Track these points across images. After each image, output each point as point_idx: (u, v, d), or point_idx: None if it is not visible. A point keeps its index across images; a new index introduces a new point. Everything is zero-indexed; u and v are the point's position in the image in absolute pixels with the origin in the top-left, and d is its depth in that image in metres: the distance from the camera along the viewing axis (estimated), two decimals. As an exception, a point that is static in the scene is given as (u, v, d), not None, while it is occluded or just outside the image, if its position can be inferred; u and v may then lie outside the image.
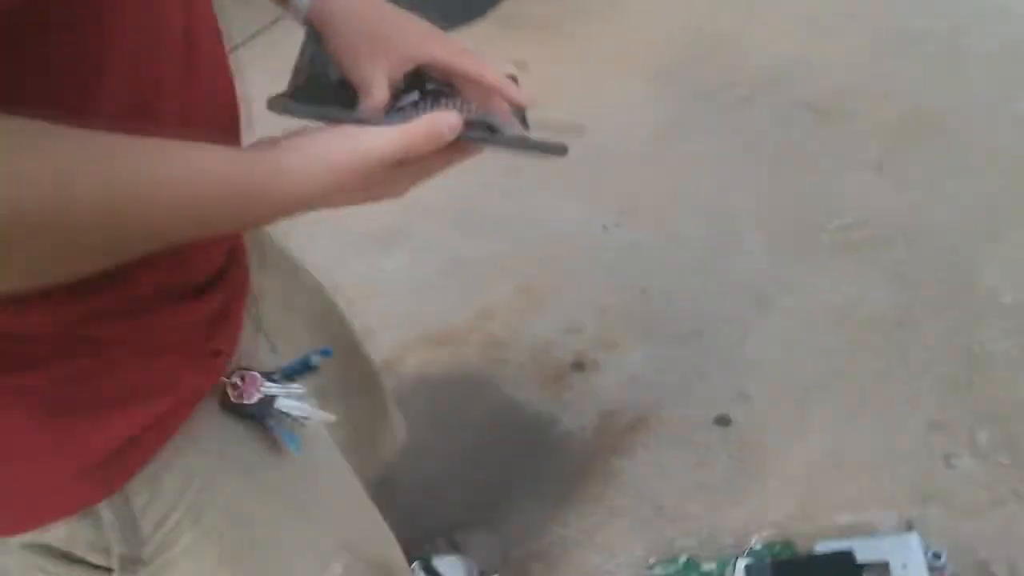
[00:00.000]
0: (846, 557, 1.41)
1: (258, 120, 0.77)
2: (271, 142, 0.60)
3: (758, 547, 1.47)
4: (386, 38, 0.73)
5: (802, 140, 2.21)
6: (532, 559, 1.54)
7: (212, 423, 0.70)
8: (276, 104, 0.66)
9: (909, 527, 1.43)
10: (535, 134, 0.76)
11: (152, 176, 0.51)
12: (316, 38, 0.74)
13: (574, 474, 1.63)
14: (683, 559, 1.48)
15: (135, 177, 0.50)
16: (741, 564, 1.44)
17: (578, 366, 1.84)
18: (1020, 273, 1.78)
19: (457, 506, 1.62)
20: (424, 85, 0.76)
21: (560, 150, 0.67)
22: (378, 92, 0.71)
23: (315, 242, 1.50)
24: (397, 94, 0.74)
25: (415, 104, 0.74)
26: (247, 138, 0.71)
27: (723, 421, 1.66)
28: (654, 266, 1.91)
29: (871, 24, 2.53)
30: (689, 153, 2.20)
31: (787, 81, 2.36)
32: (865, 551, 1.41)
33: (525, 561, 1.53)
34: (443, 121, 0.60)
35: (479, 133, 0.67)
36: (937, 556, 1.39)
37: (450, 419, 1.74)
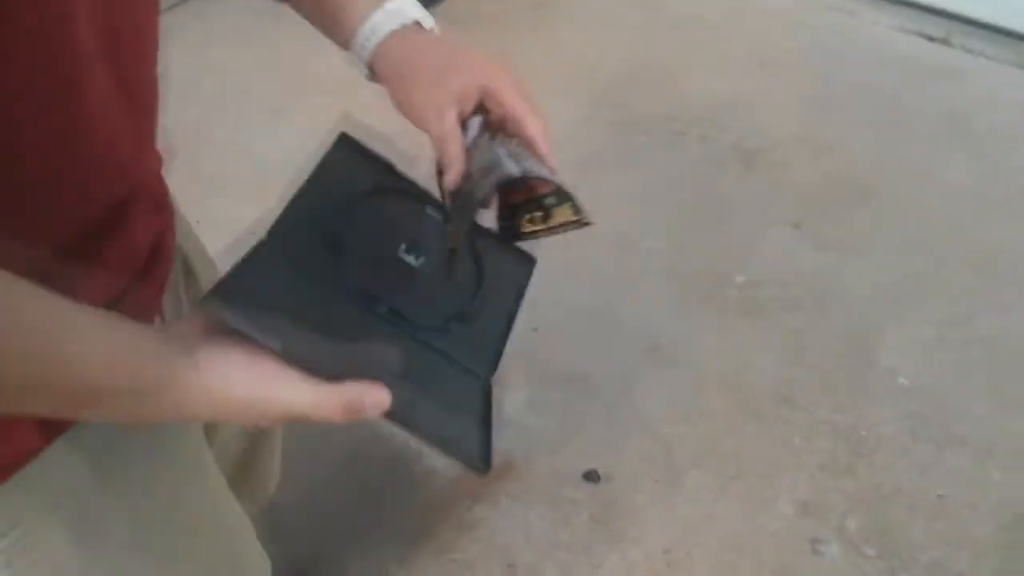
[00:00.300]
0: None
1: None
2: (182, 340, 0.53)
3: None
4: (453, 68, 0.73)
5: (727, 186, 2.15)
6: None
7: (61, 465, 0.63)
8: (211, 303, 0.54)
9: (763, 614, 1.38)
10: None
11: (39, 350, 0.46)
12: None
13: (431, 517, 1.54)
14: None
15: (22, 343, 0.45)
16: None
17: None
18: (921, 356, 1.73)
19: (304, 541, 1.53)
20: (486, 112, 0.74)
21: (476, 467, 0.59)
22: (449, 124, 0.70)
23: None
24: (464, 119, 0.71)
25: (476, 144, 0.71)
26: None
27: (592, 477, 1.59)
28: (550, 302, 1.83)
29: (816, 72, 2.48)
30: (609, 185, 2.13)
31: (722, 121, 2.30)
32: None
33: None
34: (371, 401, 0.54)
35: (404, 395, 0.54)
36: (785, 648, 1.34)
37: (311, 446, 1.65)
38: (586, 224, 0.72)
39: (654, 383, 1.74)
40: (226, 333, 0.52)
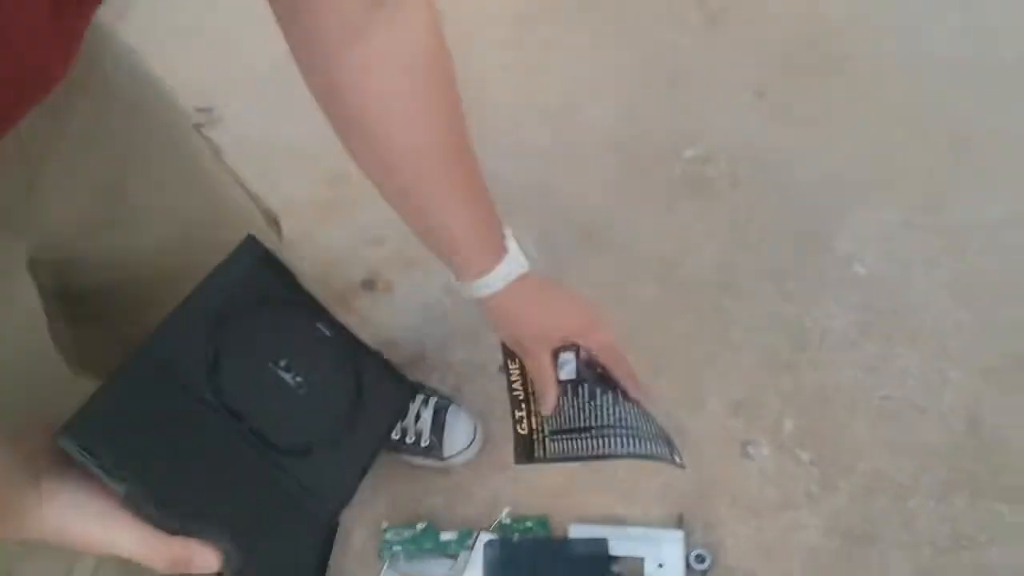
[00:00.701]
0: (598, 546, 1.22)
1: None
2: (32, 465, 0.53)
3: (507, 521, 1.28)
4: (555, 325, 0.86)
5: (685, 45, 1.92)
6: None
7: None
8: (64, 441, 0.52)
9: (680, 522, 1.24)
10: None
11: None
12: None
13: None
14: (421, 526, 1.28)
15: None
16: (483, 538, 1.25)
17: (368, 284, 1.59)
18: (883, 243, 1.55)
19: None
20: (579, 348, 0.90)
21: None
22: (546, 366, 0.87)
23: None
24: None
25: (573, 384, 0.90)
26: None
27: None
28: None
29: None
30: (553, 43, 1.89)
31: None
32: (623, 542, 1.23)
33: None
34: (200, 562, 0.55)
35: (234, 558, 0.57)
36: (701, 559, 1.21)
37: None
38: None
39: (584, 267, 1.57)
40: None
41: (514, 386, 0.94)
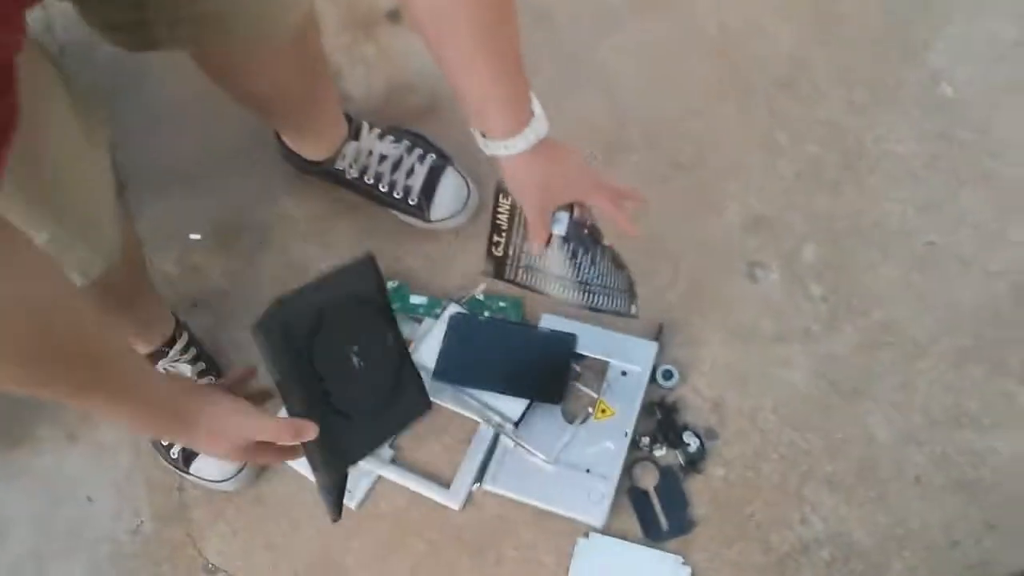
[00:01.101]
0: (565, 340, 1.15)
1: None
2: (200, 393, 0.80)
3: (480, 297, 1.21)
4: (562, 187, 0.91)
5: None
6: (249, 235, 1.29)
7: None
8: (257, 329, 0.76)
9: (658, 333, 1.15)
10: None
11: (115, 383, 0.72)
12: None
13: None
14: (393, 284, 1.21)
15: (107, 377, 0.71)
16: (452, 309, 1.19)
17: (394, 16, 1.42)
18: (982, 65, 1.29)
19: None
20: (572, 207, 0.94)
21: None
22: (544, 220, 0.92)
23: None
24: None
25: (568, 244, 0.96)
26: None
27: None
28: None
29: None
30: None
31: None
32: (592, 342, 1.15)
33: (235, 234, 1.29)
34: (304, 431, 0.76)
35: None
36: (668, 375, 1.13)
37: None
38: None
39: (634, 32, 1.37)
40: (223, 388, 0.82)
41: (499, 217, 0.99)
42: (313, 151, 1.25)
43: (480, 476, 1.10)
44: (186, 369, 1.13)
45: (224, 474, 1.11)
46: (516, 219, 0.98)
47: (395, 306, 1.19)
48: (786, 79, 1.31)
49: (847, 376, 1.13)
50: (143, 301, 1.10)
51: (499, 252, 1.00)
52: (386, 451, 1.14)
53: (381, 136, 1.26)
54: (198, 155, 1.34)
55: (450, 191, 1.23)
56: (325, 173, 1.27)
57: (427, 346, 1.15)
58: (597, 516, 1.06)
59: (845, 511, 1.06)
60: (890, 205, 1.22)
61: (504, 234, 0.99)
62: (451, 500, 1.09)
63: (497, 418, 1.10)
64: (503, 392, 1.12)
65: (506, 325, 1.18)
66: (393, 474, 1.11)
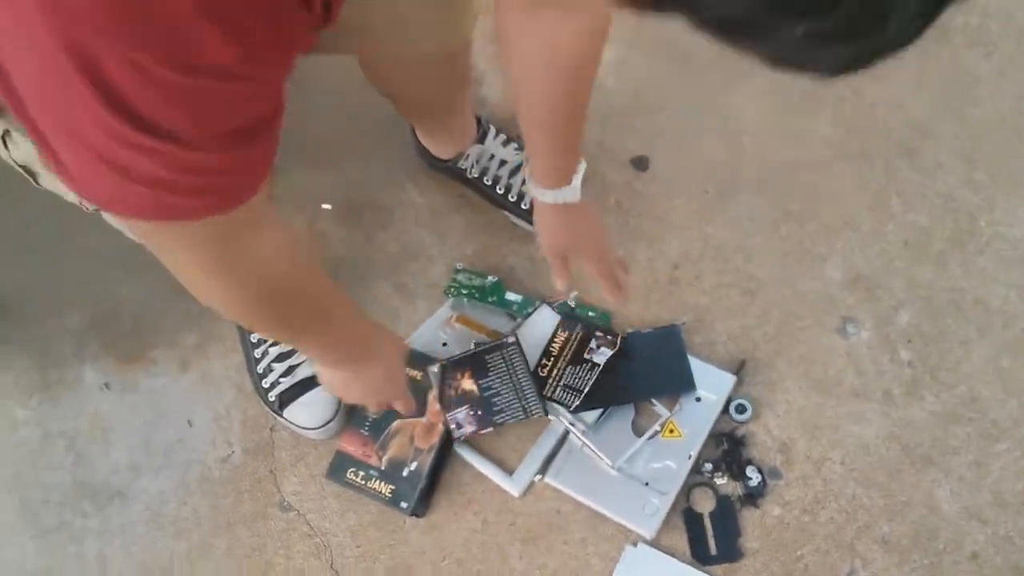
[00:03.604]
0: (673, 332, 1.20)
1: None
2: (387, 336, 1.07)
3: (572, 304, 1.26)
4: (576, 247, 1.09)
5: None
6: (372, 214, 1.39)
7: None
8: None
9: (739, 368, 1.18)
10: None
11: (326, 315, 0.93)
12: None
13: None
14: (493, 279, 1.29)
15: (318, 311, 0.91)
16: (542, 310, 1.25)
17: None
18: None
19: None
20: None
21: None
22: (561, 270, 1.10)
23: None
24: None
25: None
26: None
27: (641, 164, 1.36)
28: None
29: None
30: None
31: None
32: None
33: (360, 210, 1.39)
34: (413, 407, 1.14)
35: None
36: (742, 409, 1.16)
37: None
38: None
39: (765, 81, 1.41)
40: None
41: (552, 345, 1.24)
42: (442, 150, 1.34)
43: (544, 469, 1.15)
44: None
45: (314, 423, 1.20)
46: (565, 351, 1.22)
47: (491, 300, 1.28)
48: (909, 147, 1.33)
49: (920, 443, 1.13)
50: None
51: (543, 373, 1.21)
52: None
53: (505, 143, 1.34)
54: (343, 131, 1.45)
55: None
56: (449, 170, 1.36)
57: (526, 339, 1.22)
58: (649, 528, 1.09)
59: (895, 573, 1.06)
60: (994, 287, 1.22)
61: (552, 359, 1.22)
62: (513, 486, 1.15)
63: (571, 417, 1.16)
64: (639, 400, 1.18)
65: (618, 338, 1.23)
66: (464, 451, 1.18)
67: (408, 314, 1.29)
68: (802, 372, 1.19)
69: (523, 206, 1.30)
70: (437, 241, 1.35)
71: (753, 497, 1.11)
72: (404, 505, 1.13)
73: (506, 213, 1.34)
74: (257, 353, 1.25)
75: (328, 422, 1.20)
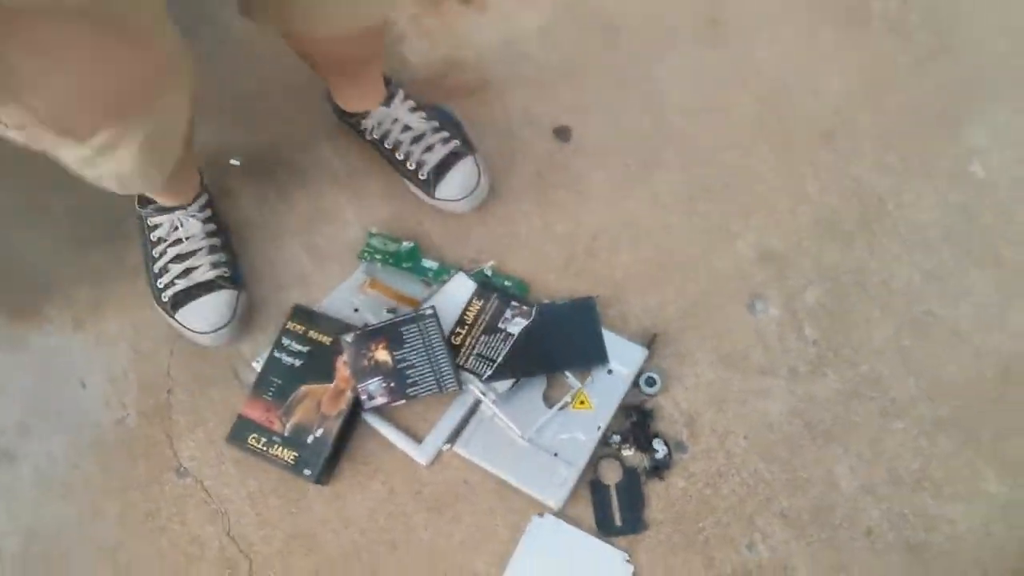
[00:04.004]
0: (587, 304, 1.19)
1: None
2: None
3: (489, 273, 1.24)
4: None
5: None
6: (285, 172, 1.34)
7: None
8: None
9: (651, 342, 1.18)
10: None
11: None
12: None
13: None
14: (408, 244, 1.26)
15: None
16: (459, 277, 1.23)
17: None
18: (1010, 152, 1.33)
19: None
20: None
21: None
22: None
23: None
24: None
25: None
26: None
27: (563, 135, 1.35)
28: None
29: None
30: None
31: None
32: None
33: (273, 169, 1.34)
34: None
35: None
36: (651, 382, 1.16)
37: None
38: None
39: (691, 57, 1.41)
40: None
41: (467, 314, 1.21)
42: (349, 105, 1.30)
43: (453, 438, 1.14)
44: (197, 226, 1.21)
45: (207, 326, 1.18)
46: (480, 319, 1.20)
47: (406, 265, 1.25)
48: (826, 130, 1.35)
49: (822, 420, 1.15)
50: (187, 156, 1.12)
51: (457, 341, 1.19)
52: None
53: (413, 109, 1.29)
54: (258, 89, 1.40)
55: (461, 176, 1.26)
56: (351, 127, 1.32)
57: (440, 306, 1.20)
58: (556, 498, 1.09)
59: (793, 546, 1.08)
60: (897, 268, 1.25)
61: (466, 327, 1.20)
62: (421, 455, 1.13)
63: (482, 386, 1.14)
64: (552, 371, 1.17)
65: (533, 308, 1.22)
66: (372, 419, 1.15)
67: (320, 277, 1.26)
68: (711, 347, 1.20)
69: (420, 176, 1.27)
70: (352, 204, 1.31)
71: (659, 469, 1.12)
72: (308, 472, 1.10)
73: (405, 181, 1.31)
74: (155, 252, 1.21)
75: (221, 327, 1.18)
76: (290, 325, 1.18)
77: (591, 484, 1.11)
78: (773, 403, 1.17)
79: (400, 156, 1.28)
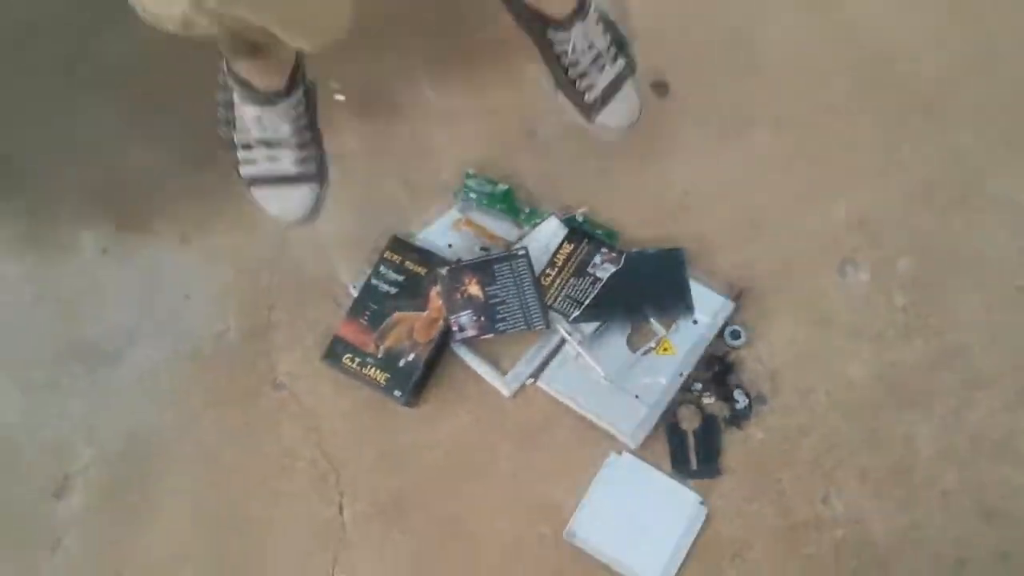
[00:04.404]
0: (675, 255, 1.21)
1: None
2: None
3: (580, 220, 1.27)
4: None
5: None
6: (387, 109, 1.38)
7: None
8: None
9: (737, 296, 1.20)
10: None
11: None
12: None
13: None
14: (503, 187, 1.29)
15: None
16: (551, 220, 1.25)
17: None
18: None
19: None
20: None
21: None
22: None
23: None
24: None
25: None
26: None
27: (661, 89, 1.36)
28: None
29: None
30: None
31: None
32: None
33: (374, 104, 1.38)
34: None
35: None
36: (736, 335, 1.18)
37: None
38: None
39: (793, 23, 1.41)
40: None
41: (557, 257, 1.24)
42: (553, 6, 1.19)
43: (537, 374, 1.17)
44: (286, 128, 1.18)
45: (281, 215, 1.24)
46: (570, 263, 1.23)
47: (500, 207, 1.28)
48: (931, 99, 1.34)
49: (906, 385, 1.16)
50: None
51: (546, 282, 1.22)
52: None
53: (598, 20, 1.23)
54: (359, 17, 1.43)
55: (625, 106, 1.26)
56: (535, 33, 1.24)
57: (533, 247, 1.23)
58: (635, 438, 1.12)
59: (868, 503, 1.10)
60: (993, 241, 1.24)
61: (556, 269, 1.22)
62: (505, 387, 1.16)
63: (568, 326, 1.17)
64: (637, 318, 1.19)
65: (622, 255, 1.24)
66: (461, 350, 1.19)
67: (416, 212, 1.29)
68: (799, 306, 1.21)
69: (587, 99, 1.25)
70: (450, 143, 1.35)
71: (738, 419, 1.14)
72: (398, 394, 1.14)
73: (561, 97, 1.28)
74: (238, 127, 1.20)
75: (294, 220, 1.25)
76: (387, 254, 1.22)
77: (669, 428, 1.14)
78: (858, 366, 1.17)
79: (573, 75, 1.25)
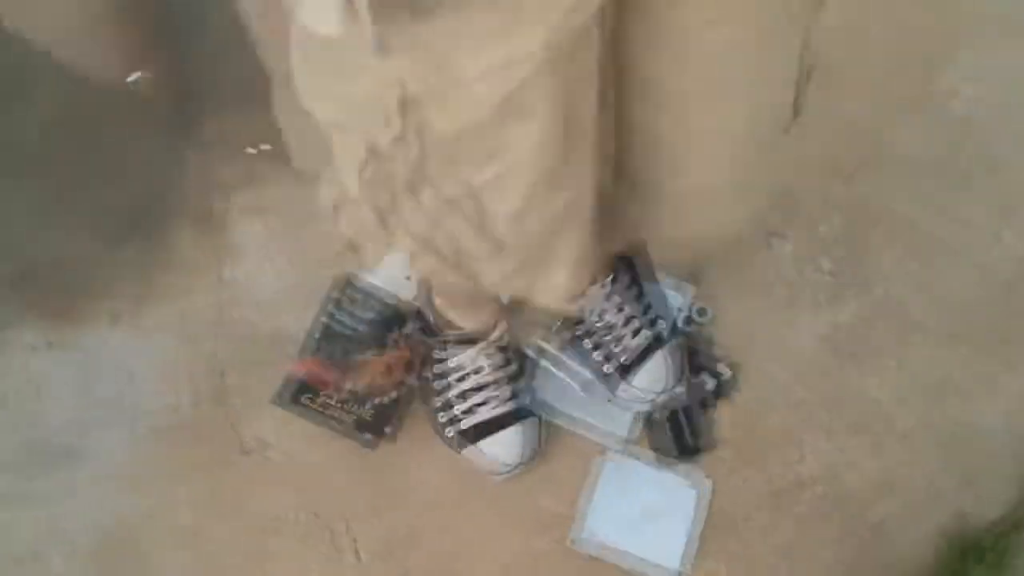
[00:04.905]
0: None
1: None
2: None
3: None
4: None
5: None
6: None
7: None
8: None
9: (694, 280, 1.26)
10: None
11: None
12: None
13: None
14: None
15: None
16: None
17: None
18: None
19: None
20: None
21: None
22: None
23: None
24: None
25: None
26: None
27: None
28: None
29: None
30: None
31: None
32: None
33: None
34: None
35: None
36: (703, 312, 1.23)
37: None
38: None
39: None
40: None
41: None
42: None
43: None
44: (486, 365, 1.10)
45: (503, 465, 1.10)
46: None
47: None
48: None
49: (849, 342, 1.24)
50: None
51: None
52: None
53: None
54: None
55: (655, 373, 1.13)
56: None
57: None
58: (620, 439, 1.16)
59: (838, 457, 1.17)
60: (898, 196, 1.33)
61: None
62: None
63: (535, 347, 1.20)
64: None
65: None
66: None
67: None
68: (736, 283, 1.28)
69: (607, 367, 1.14)
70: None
71: (711, 400, 1.19)
72: (367, 437, 1.13)
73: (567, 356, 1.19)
74: (437, 385, 1.12)
75: (519, 464, 1.10)
76: (340, 296, 1.21)
77: (649, 422, 1.17)
78: (802, 332, 1.24)
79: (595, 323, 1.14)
